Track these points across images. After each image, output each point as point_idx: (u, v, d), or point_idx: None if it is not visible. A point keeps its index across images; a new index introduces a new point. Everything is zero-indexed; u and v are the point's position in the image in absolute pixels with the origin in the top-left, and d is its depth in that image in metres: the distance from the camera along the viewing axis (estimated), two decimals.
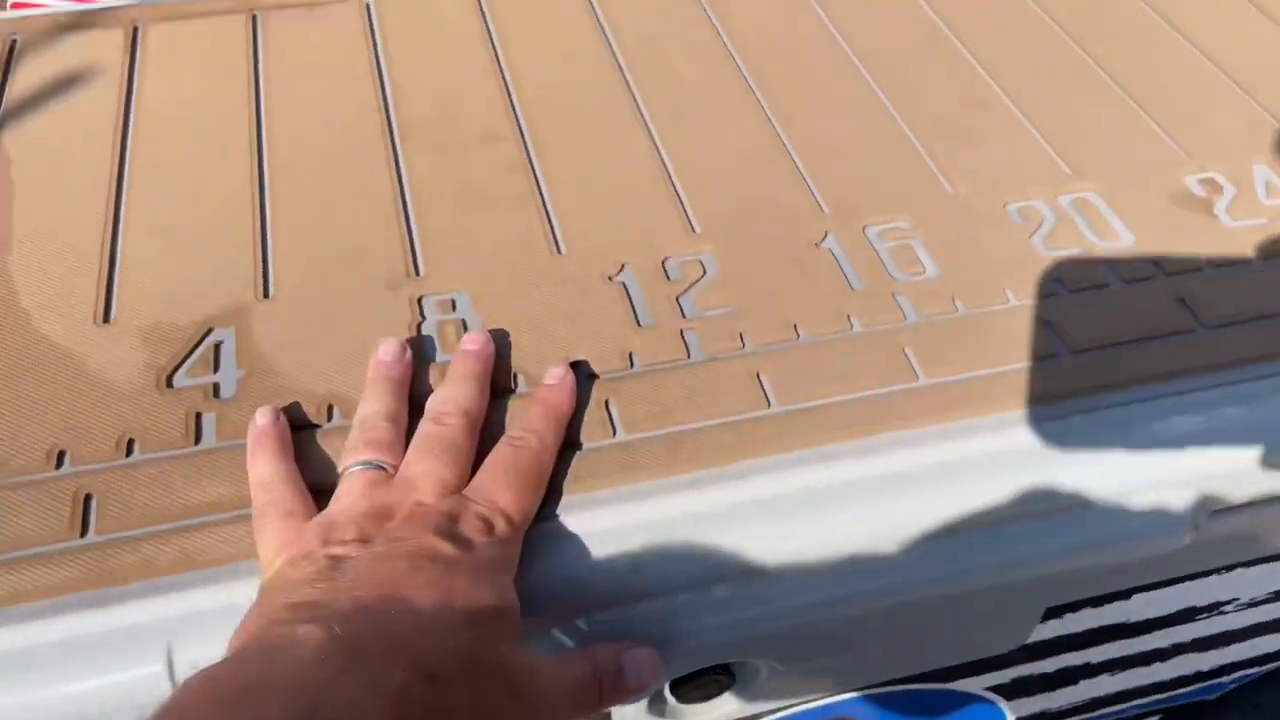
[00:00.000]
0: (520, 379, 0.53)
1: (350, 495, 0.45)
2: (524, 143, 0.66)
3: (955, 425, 0.51)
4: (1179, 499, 0.52)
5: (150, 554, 0.45)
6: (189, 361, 0.53)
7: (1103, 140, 0.67)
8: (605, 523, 0.48)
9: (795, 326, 0.55)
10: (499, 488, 0.46)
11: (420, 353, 0.53)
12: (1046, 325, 0.55)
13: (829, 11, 0.78)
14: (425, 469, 0.46)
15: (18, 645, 0.42)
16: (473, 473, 0.48)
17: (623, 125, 0.68)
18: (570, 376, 0.51)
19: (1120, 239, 0.60)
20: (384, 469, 0.47)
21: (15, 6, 1.09)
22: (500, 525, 0.44)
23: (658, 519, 0.48)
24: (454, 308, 0.56)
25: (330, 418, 0.51)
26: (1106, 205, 0.62)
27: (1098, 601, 0.63)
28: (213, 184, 0.62)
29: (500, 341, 0.54)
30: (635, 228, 0.61)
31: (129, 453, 0.49)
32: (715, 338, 0.55)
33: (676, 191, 0.63)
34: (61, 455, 0.48)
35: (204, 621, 0.44)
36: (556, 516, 0.48)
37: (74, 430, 0.49)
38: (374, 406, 0.49)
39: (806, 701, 0.65)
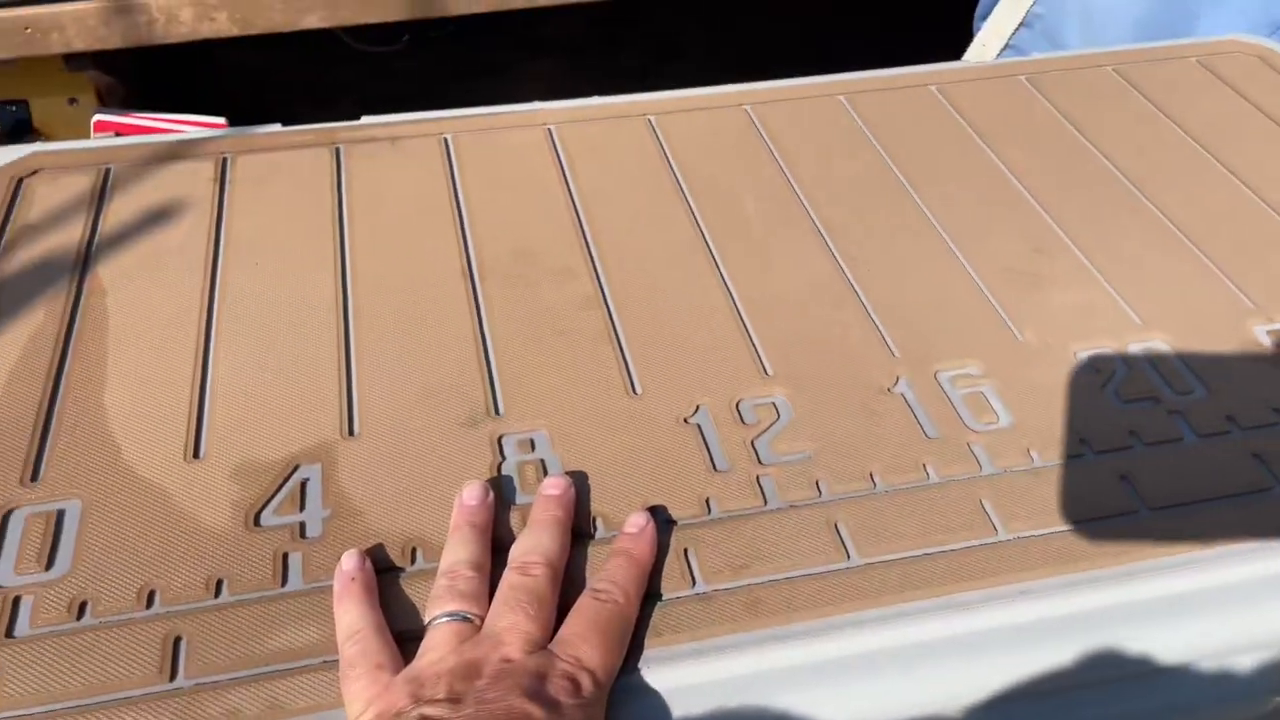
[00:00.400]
0: (599, 523, 0.53)
1: (438, 649, 0.46)
2: (597, 279, 0.68)
3: (1036, 585, 0.51)
4: (1260, 662, 0.51)
5: (236, 703, 0.45)
6: (276, 499, 0.54)
7: (1169, 289, 0.68)
8: (684, 679, 0.48)
9: (871, 475, 0.56)
10: (585, 645, 0.46)
11: (500, 494, 0.54)
12: (1124, 480, 0.55)
13: (892, 154, 0.80)
14: (512, 622, 0.46)
15: None
16: (557, 621, 0.48)
17: (692, 262, 0.69)
18: (651, 526, 0.52)
19: (1193, 392, 0.61)
20: (471, 620, 0.47)
21: (99, 127, 1.15)
22: (586, 684, 0.45)
23: (736, 676, 0.48)
24: (533, 447, 0.57)
25: (414, 560, 0.51)
26: (1177, 356, 0.63)
27: None
28: (299, 318, 0.64)
29: (579, 484, 0.55)
30: (708, 368, 0.62)
31: (218, 593, 0.49)
32: (791, 485, 0.55)
33: (748, 331, 0.64)
34: (152, 595, 0.49)
35: None
36: (637, 671, 0.48)
37: (164, 569, 0.50)
38: (459, 555, 0.50)
39: None
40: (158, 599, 0.49)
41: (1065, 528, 0.53)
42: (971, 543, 0.53)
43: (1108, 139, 0.82)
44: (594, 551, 0.52)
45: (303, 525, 0.53)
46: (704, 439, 0.58)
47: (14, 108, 1.28)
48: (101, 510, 0.53)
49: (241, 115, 0.97)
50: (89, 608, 0.49)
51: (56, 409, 0.58)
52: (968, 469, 0.56)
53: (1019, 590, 0.51)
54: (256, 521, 0.53)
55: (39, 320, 0.63)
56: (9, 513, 0.52)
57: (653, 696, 0.47)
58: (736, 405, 0.60)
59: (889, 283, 0.68)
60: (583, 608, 0.48)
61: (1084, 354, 0.63)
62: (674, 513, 0.54)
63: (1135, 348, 0.63)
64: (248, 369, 0.61)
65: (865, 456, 0.57)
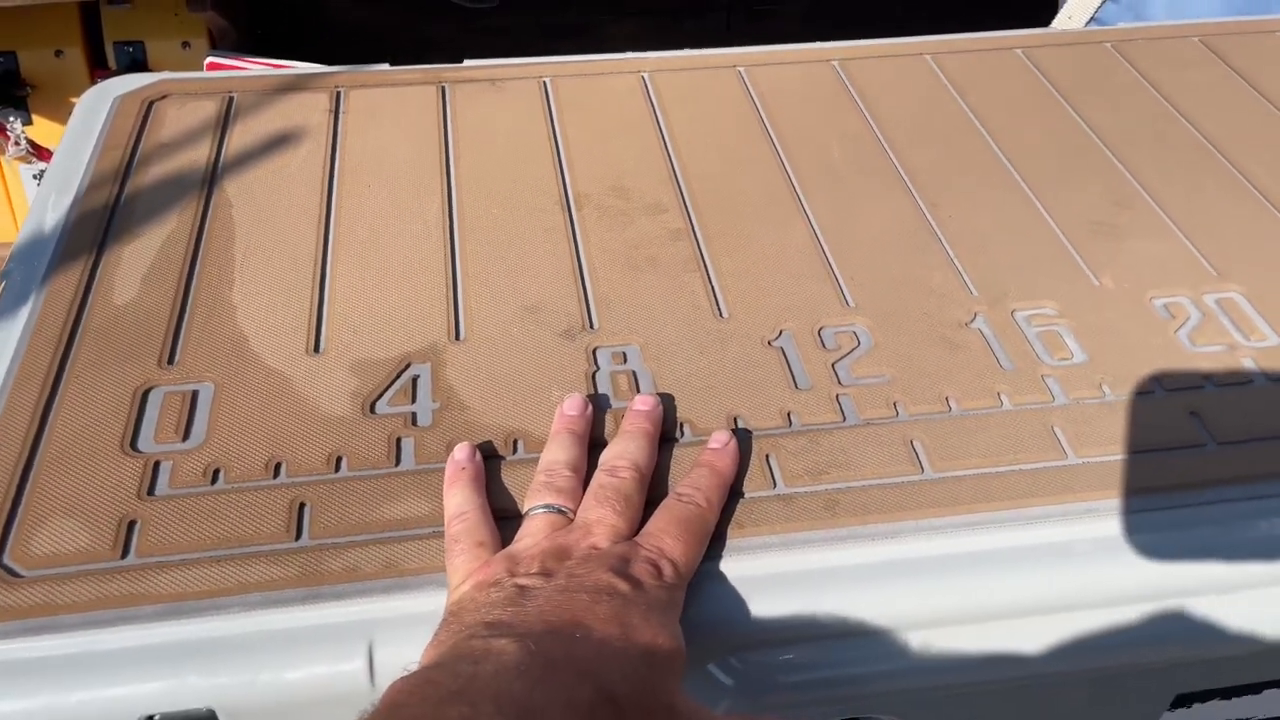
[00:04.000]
0: (686, 429, 0.57)
1: (534, 534, 0.50)
2: (687, 215, 0.71)
3: (1102, 504, 0.53)
4: None
5: (355, 560, 0.50)
6: (390, 391, 0.58)
7: (1245, 243, 0.69)
8: (764, 569, 0.51)
9: (947, 399, 0.58)
10: (667, 537, 0.49)
11: (596, 402, 0.58)
12: (1193, 416, 0.57)
13: (976, 111, 0.82)
14: (600, 516, 0.50)
15: (239, 632, 0.47)
16: (642, 523, 0.51)
17: (779, 202, 0.73)
18: (734, 443, 0.55)
19: (1267, 339, 0.62)
20: (564, 513, 0.51)
21: (210, 68, 1.21)
22: (668, 570, 0.48)
23: (814, 569, 0.51)
24: (625, 360, 0.61)
25: (515, 450, 0.55)
26: (1251, 307, 0.64)
27: (1227, 694, 0.64)
28: (409, 235, 0.69)
29: (667, 393, 0.58)
30: (792, 297, 0.65)
31: (337, 469, 0.54)
32: (869, 404, 0.58)
33: (831, 266, 0.67)
34: (278, 466, 0.54)
35: (403, 624, 0.48)
36: (719, 557, 0.51)
37: (289, 445, 0.55)
38: (558, 455, 0.53)
39: None
40: (283, 470, 0.54)
41: (1134, 454, 0.55)
42: (1041, 464, 0.55)
43: (1190, 103, 0.83)
44: (679, 454, 0.56)
45: (414, 415, 0.57)
46: (786, 360, 0.61)
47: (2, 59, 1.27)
48: (231, 392, 0.58)
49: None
50: (221, 474, 0.53)
51: (189, 304, 0.63)
52: (1040, 398, 0.58)
53: (1086, 508, 0.53)
54: (372, 409, 0.57)
55: (171, 226, 0.69)
56: (148, 390, 0.58)
57: (732, 583, 0.51)
58: (818, 331, 0.63)
59: (970, 228, 0.70)
60: (667, 506, 0.52)
61: (1159, 301, 0.65)
62: (756, 423, 0.57)
63: (1210, 297, 0.65)
64: (362, 277, 0.65)
65: (941, 382, 0.59)
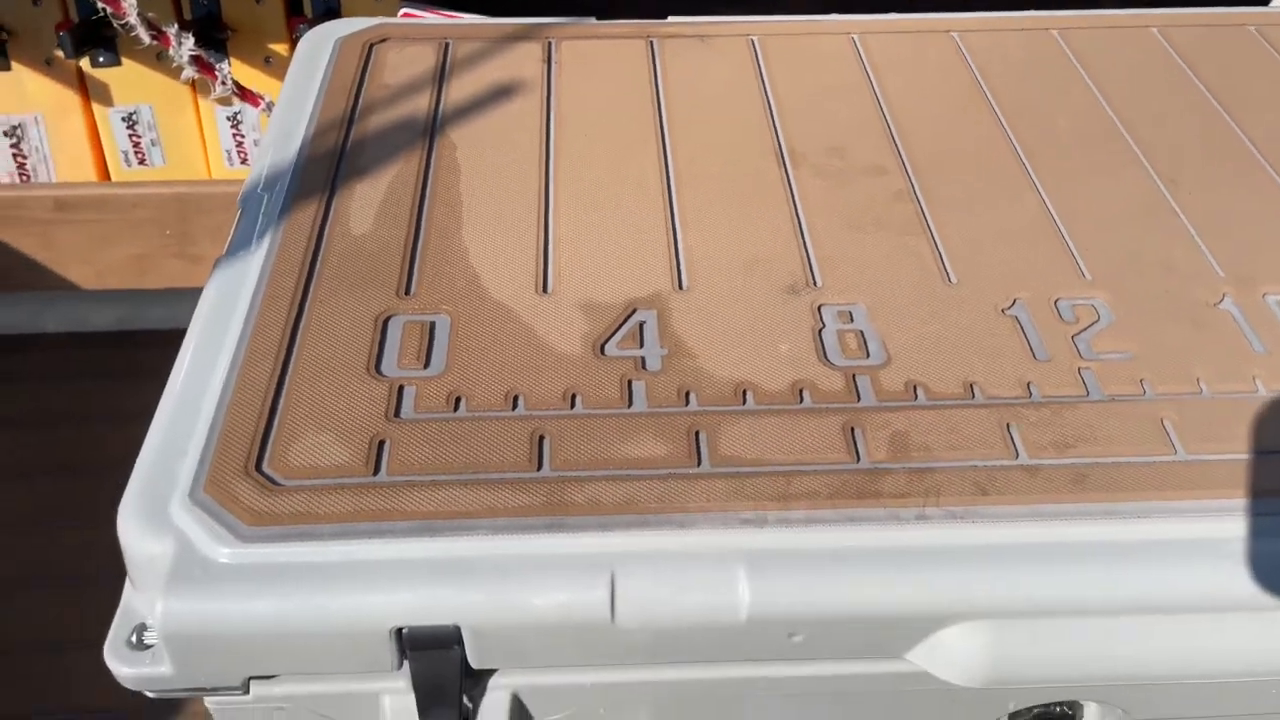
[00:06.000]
0: (920, 392, 0.56)
1: None
2: (909, 178, 0.70)
3: None
4: None
5: (596, 494, 0.50)
6: (618, 335, 0.59)
7: None
8: (1008, 537, 0.49)
9: (1198, 380, 0.56)
10: None
11: (825, 357, 0.57)
12: None
13: (1209, 85, 0.78)
14: None
15: (487, 554, 0.48)
16: None
17: (1004, 170, 0.70)
18: None
19: None
20: None
21: (405, 16, 1.24)
22: None
23: (1063, 542, 0.49)
24: (851, 319, 0.60)
25: (744, 401, 0.55)
26: None
27: None
28: (627, 184, 0.69)
29: (900, 353, 0.57)
30: (1025, 266, 0.63)
31: (573, 405, 0.55)
32: (1114, 380, 0.56)
33: (1064, 237, 0.65)
34: (516, 399, 0.55)
35: (644, 560, 0.48)
36: (960, 520, 0.50)
37: (525, 379, 0.56)
38: None
39: None
40: (521, 402, 0.55)
41: None
42: None
43: None
44: (915, 416, 0.54)
45: (643, 359, 0.57)
46: (1023, 329, 0.59)
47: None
48: (467, 324, 0.59)
49: None
50: (463, 402, 0.54)
51: (421, 240, 0.64)
52: None
53: None
54: (601, 350, 0.58)
55: (399, 166, 0.70)
56: (389, 318, 0.59)
57: (974, 550, 0.49)
58: (1055, 303, 0.60)
59: (1211, 206, 0.67)
60: None
61: None
62: (993, 391, 0.55)
63: None
64: (585, 223, 0.66)
65: (1190, 362, 0.57)
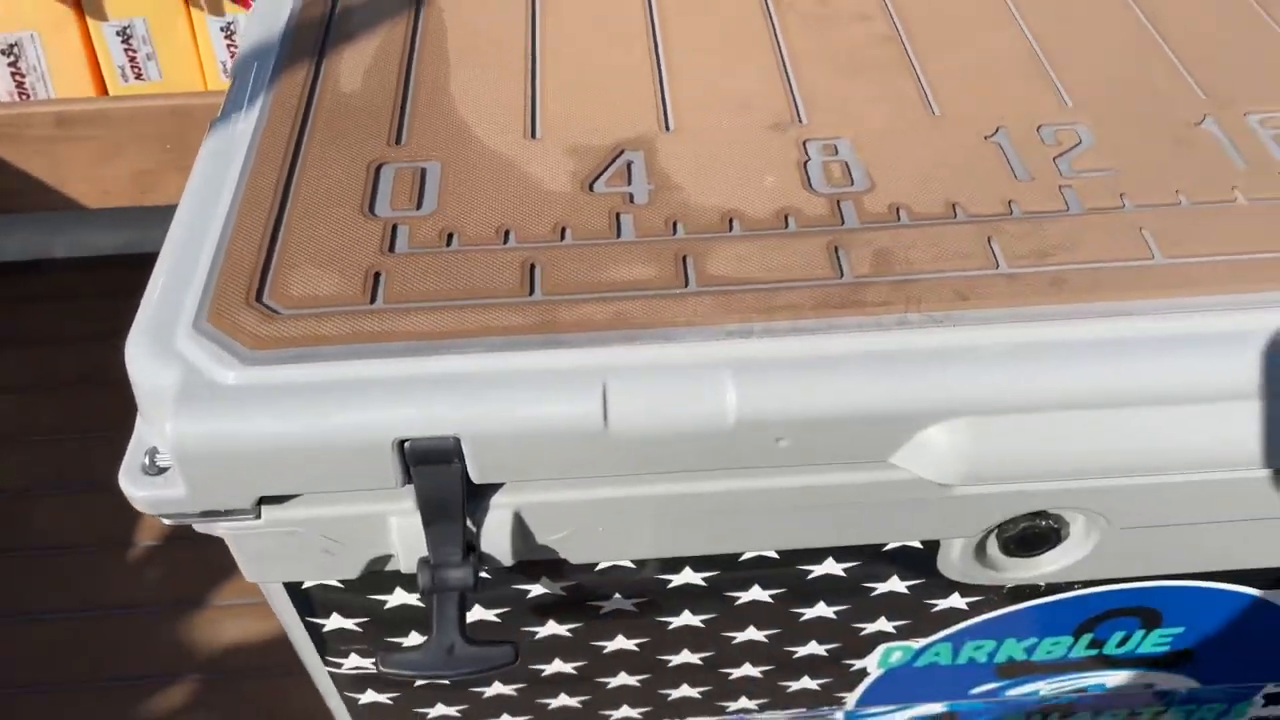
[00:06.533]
0: (903, 214, 0.56)
1: None
2: (893, 22, 0.70)
3: None
4: None
5: (587, 313, 0.52)
6: (606, 174, 0.60)
7: None
8: (987, 339, 0.51)
9: (1177, 192, 0.56)
10: None
11: (810, 186, 0.58)
12: None
13: None
14: None
15: (483, 369, 0.50)
16: None
17: (988, 9, 0.70)
18: None
19: None
20: None
21: None
22: None
23: (1041, 341, 0.51)
24: (836, 151, 0.61)
25: (731, 228, 0.56)
26: None
27: None
28: (613, 34, 0.69)
29: (884, 179, 0.58)
30: (1008, 97, 0.63)
31: (562, 237, 0.56)
32: (1094, 195, 0.57)
33: (1047, 69, 0.65)
34: (508, 233, 0.56)
35: (634, 372, 0.50)
36: (941, 324, 0.51)
37: (516, 215, 0.57)
38: None
39: (1117, 583, 0.66)
40: (512, 236, 0.56)
41: None
42: None
43: None
44: (901, 235, 0.55)
45: (631, 194, 0.58)
46: (1005, 154, 0.60)
47: None
48: (457, 169, 0.60)
49: None
50: (455, 237, 0.56)
51: (410, 93, 0.65)
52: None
53: None
54: (590, 188, 0.59)
55: (387, 28, 0.71)
56: (380, 165, 0.60)
57: (956, 353, 0.51)
58: (1037, 129, 0.61)
59: (1193, 33, 0.67)
60: None
61: None
62: (975, 210, 0.56)
63: None
64: (571, 71, 0.67)
65: (1170, 178, 0.57)
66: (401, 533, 0.54)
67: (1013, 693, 0.77)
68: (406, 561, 0.55)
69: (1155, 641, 0.71)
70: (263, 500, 0.53)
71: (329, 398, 0.49)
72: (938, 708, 0.79)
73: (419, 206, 0.58)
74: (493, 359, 0.50)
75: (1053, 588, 0.65)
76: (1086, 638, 0.70)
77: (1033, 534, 0.60)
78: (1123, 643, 0.71)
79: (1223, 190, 0.56)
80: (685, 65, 0.67)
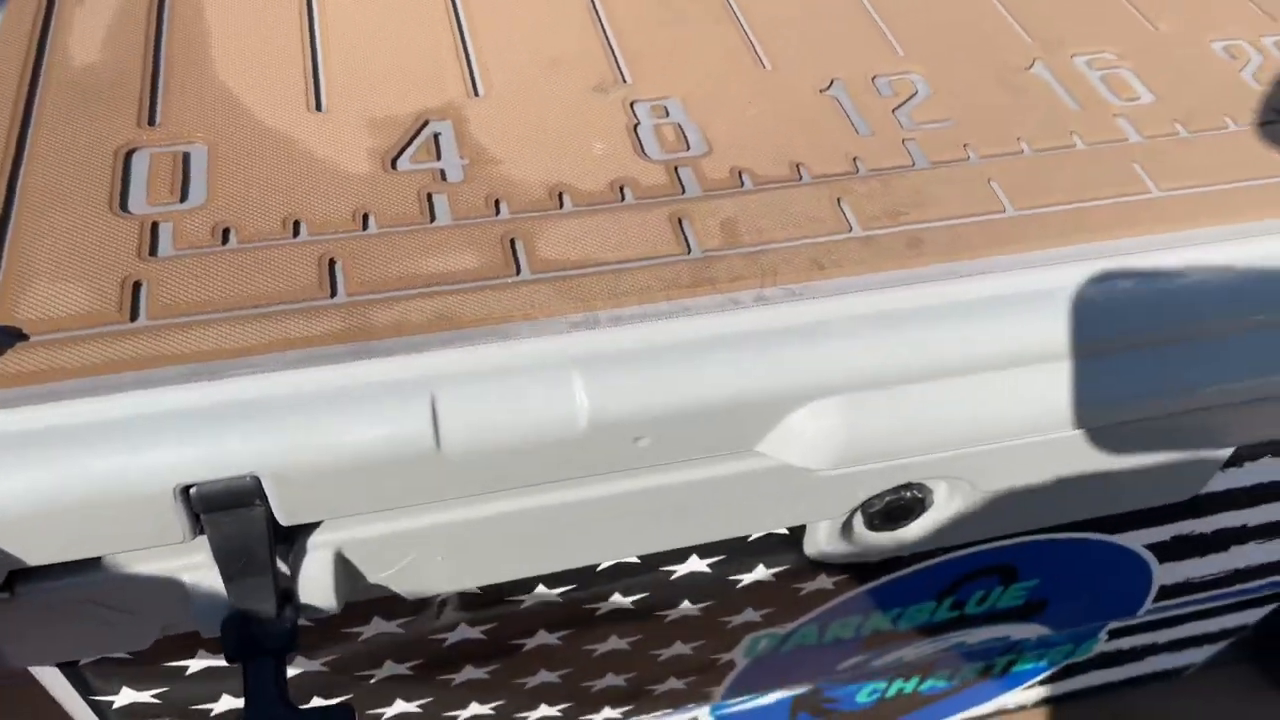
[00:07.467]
0: (746, 178, 0.52)
1: None
2: None
3: (1195, 234, 0.50)
4: None
5: (403, 313, 0.44)
6: (411, 148, 0.52)
7: None
8: (846, 310, 0.47)
9: (1019, 140, 0.54)
10: None
11: (643, 152, 0.52)
12: (1271, 148, 0.55)
13: None
14: None
15: (281, 392, 0.42)
16: None
17: None
18: None
19: None
20: None
21: None
22: None
23: (900, 309, 0.47)
24: (667, 113, 0.55)
25: (561, 204, 0.50)
26: None
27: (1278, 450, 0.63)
28: None
29: (721, 141, 0.53)
30: (839, 48, 0.59)
31: (365, 225, 0.48)
32: (939, 147, 0.54)
33: (874, 17, 0.62)
34: (298, 224, 0.47)
35: (465, 380, 0.43)
36: (800, 297, 0.47)
37: (306, 203, 0.48)
38: None
39: (976, 545, 0.65)
40: (304, 228, 0.47)
41: (1222, 186, 0.52)
42: (1126, 198, 0.52)
43: None
44: (744, 200, 0.50)
45: (442, 171, 0.51)
46: (843, 108, 0.56)
47: None
48: (229, 152, 0.50)
49: None
50: (233, 233, 0.47)
51: (162, 62, 0.55)
52: (1115, 137, 0.55)
53: (1179, 238, 0.50)
54: (393, 166, 0.51)
55: None
56: (132, 152, 0.50)
57: (812, 327, 0.46)
58: (873, 80, 0.58)
59: None
60: None
61: (1219, 43, 0.61)
62: (820, 169, 0.52)
63: (1269, 39, 0.62)
64: (356, 28, 0.58)
65: (1010, 125, 0.55)
66: (198, 592, 0.45)
67: (878, 662, 0.75)
68: (208, 625, 0.46)
69: (1013, 596, 0.71)
70: (14, 574, 0.43)
71: (86, 443, 0.40)
72: (805, 687, 0.77)
73: (184, 199, 0.48)
74: (292, 377, 0.42)
75: (916, 557, 0.63)
76: (949, 600, 0.69)
77: (898, 507, 0.57)
78: (982, 600, 0.70)
79: (1062, 136, 0.55)
80: (488, 19, 0.59)
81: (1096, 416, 0.50)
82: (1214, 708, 1.03)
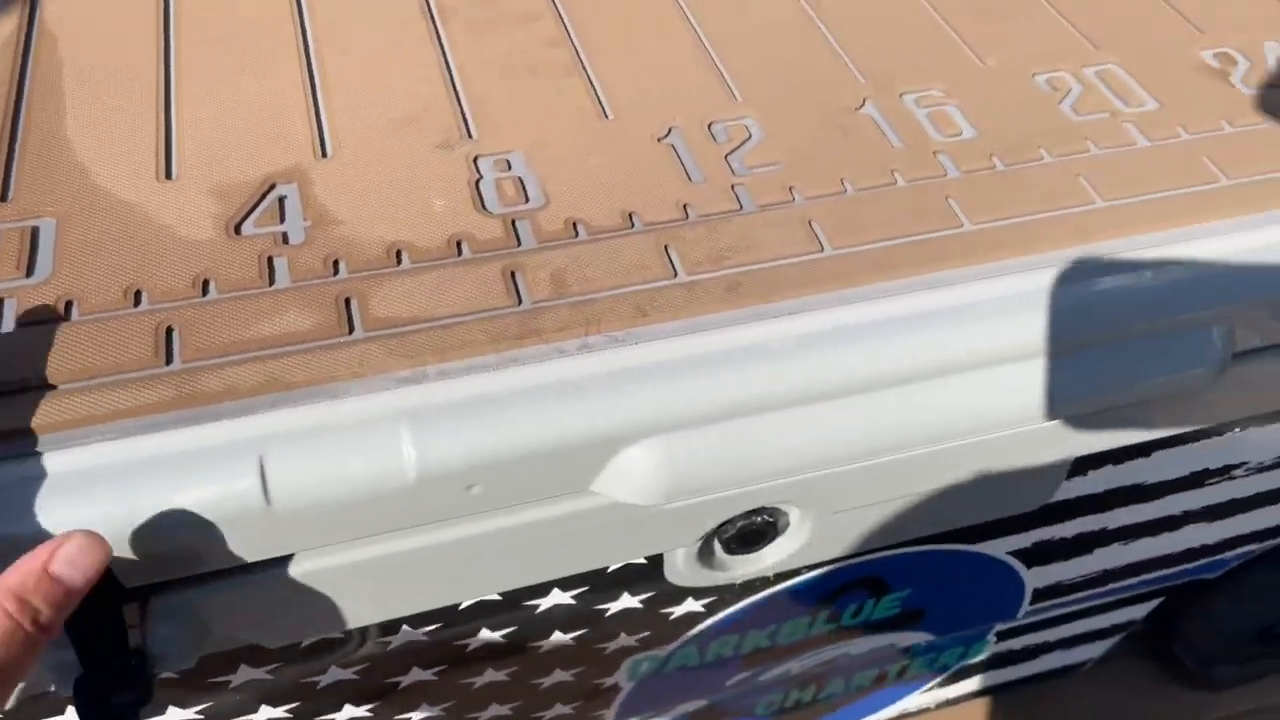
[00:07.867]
0: (581, 229, 0.54)
1: None
2: (562, 21, 0.67)
3: (1005, 264, 0.53)
4: (1209, 336, 0.55)
5: (234, 379, 0.46)
6: (255, 213, 0.54)
7: (1120, 20, 0.69)
8: (667, 354, 0.49)
9: (842, 180, 0.57)
10: None
11: (483, 207, 0.55)
12: (1079, 177, 0.58)
13: None
14: None
15: (113, 461, 0.44)
16: None
17: (656, 7, 0.69)
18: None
19: (1145, 105, 0.63)
20: None
21: None
22: None
23: (719, 350, 0.50)
24: (509, 167, 0.57)
25: (399, 261, 0.52)
26: (1129, 76, 0.65)
27: (1119, 458, 0.66)
28: (258, 48, 0.63)
29: (559, 193, 0.56)
30: (679, 94, 0.62)
31: (205, 292, 0.50)
32: (766, 191, 0.56)
33: (716, 63, 0.65)
34: (139, 294, 0.49)
35: (292, 438, 0.45)
36: (622, 343, 0.49)
37: (149, 272, 0.50)
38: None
39: (840, 561, 0.67)
40: (144, 297, 0.49)
41: (1026, 218, 0.56)
42: (939, 233, 0.55)
43: None
44: (578, 253, 0.53)
45: (285, 234, 0.53)
46: (678, 155, 0.58)
47: None
48: (77, 225, 0.52)
49: None
50: (74, 306, 0.48)
51: (18, 140, 0.56)
52: (935, 173, 0.58)
53: (995, 268, 0.53)
54: (237, 231, 0.53)
55: None
56: None
57: (637, 372, 0.49)
58: (709, 126, 0.60)
59: (851, 18, 0.69)
60: None
61: (1041, 76, 0.65)
62: (652, 217, 0.55)
63: (1090, 70, 0.65)
64: (211, 96, 0.60)
65: (836, 166, 0.58)
66: (50, 654, 0.47)
67: (765, 677, 0.78)
68: (64, 684, 0.48)
69: (886, 607, 0.73)
70: None
71: None
72: (699, 703, 0.79)
73: (29, 274, 0.50)
74: (123, 446, 0.44)
75: (781, 576, 0.66)
76: (823, 614, 0.72)
77: (751, 531, 0.59)
78: (857, 613, 0.73)
79: (883, 174, 0.58)
80: (343, 82, 0.62)
81: (919, 441, 0.53)
82: (1111, 700, 1.07)
